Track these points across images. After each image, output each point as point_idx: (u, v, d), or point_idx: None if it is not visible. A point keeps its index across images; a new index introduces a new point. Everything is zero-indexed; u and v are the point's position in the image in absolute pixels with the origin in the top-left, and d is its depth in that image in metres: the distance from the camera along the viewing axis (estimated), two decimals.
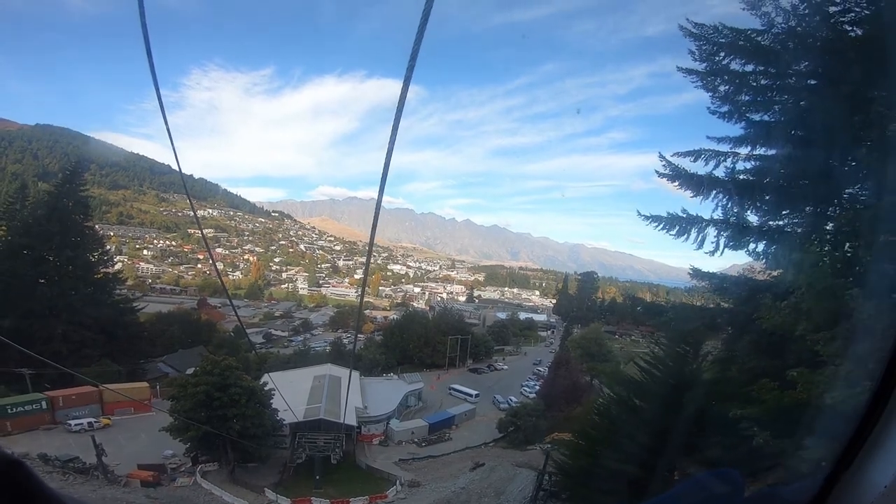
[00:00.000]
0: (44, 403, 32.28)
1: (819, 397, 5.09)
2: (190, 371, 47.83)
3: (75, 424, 31.13)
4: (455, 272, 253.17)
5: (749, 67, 11.45)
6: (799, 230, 8.60)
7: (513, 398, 49.61)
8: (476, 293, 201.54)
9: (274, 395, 28.25)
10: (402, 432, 38.76)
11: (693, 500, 1.37)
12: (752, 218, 9.73)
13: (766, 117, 10.41)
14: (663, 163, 10.29)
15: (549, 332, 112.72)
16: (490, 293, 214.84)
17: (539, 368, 63.33)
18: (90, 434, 26.05)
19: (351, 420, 34.75)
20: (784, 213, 9.09)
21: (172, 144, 3.60)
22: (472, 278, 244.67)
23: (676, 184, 9.96)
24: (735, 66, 11.57)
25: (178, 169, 4.03)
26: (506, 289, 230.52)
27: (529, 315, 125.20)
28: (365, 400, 40.70)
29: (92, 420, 32.14)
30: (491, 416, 43.36)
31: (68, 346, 43.53)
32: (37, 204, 52.53)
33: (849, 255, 6.13)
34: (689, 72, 11.98)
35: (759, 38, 11.40)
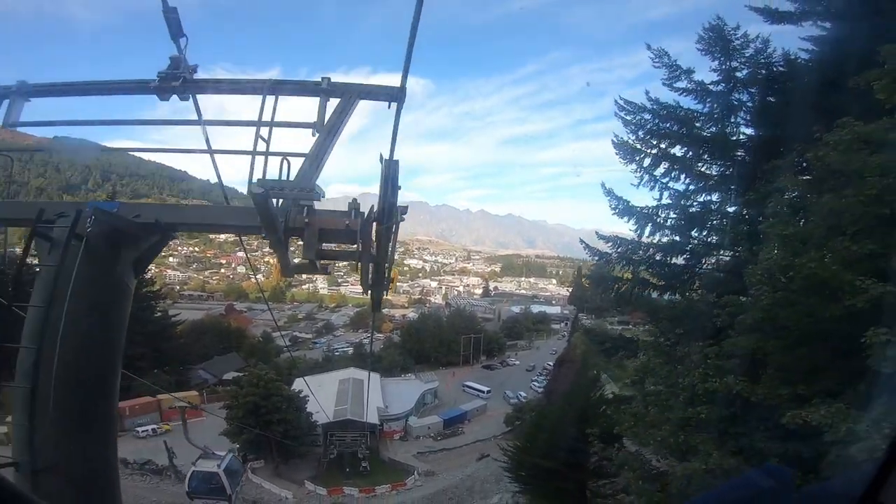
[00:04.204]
0: None
1: None
2: (228, 376, 53.19)
3: (142, 431, 36.27)
4: (471, 264, 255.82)
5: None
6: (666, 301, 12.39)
7: (522, 393, 53.00)
8: (492, 285, 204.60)
9: (308, 399, 32.95)
10: (419, 428, 43.32)
11: (742, 496, 1.40)
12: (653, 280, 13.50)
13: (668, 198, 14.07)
14: (583, 245, 14.08)
15: (562, 324, 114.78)
16: (506, 284, 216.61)
17: (548, 364, 66.48)
18: (162, 439, 31.02)
19: (373, 419, 39.30)
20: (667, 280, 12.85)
21: (216, 168, 3.68)
22: (489, 269, 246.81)
23: (595, 258, 13.76)
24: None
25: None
26: (522, 279, 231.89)
27: (543, 308, 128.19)
28: (386, 400, 45.10)
29: (155, 427, 37.29)
30: (501, 412, 46.75)
31: (124, 361, 48.82)
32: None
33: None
34: (623, 143, 15.40)
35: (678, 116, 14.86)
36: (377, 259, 3.01)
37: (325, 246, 3.03)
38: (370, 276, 3.18)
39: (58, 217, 2.81)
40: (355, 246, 3.01)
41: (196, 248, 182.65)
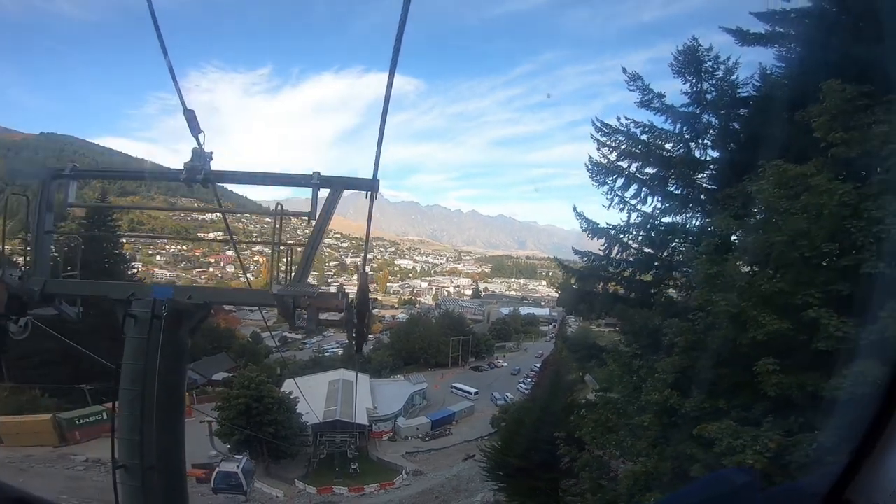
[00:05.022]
0: (105, 414, 37.88)
1: None
2: (217, 377, 53.54)
3: None
4: (462, 264, 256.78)
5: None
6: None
7: (509, 395, 54.14)
8: (482, 286, 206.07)
9: (298, 401, 33.81)
10: (407, 429, 44.37)
11: (709, 496, 1.42)
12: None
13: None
14: (557, 263, 15.19)
15: (550, 326, 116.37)
16: (497, 285, 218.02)
17: (535, 366, 67.61)
18: None
19: (363, 420, 40.23)
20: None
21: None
22: (479, 270, 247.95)
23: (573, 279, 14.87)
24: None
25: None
26: (512, 280, 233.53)
27: (532, 310, 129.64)
28: (375, 401, 45.98)
29: None
30: (488, 413, 47.57)
31: (112, 362, 49.33)
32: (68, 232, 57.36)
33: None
34: (596, 164, 16.29)
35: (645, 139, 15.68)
36: (357, 328, 4.07)
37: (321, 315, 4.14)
38: (353, 334, 4.24)
39: (132, 298, 3.90)
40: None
41: (184, 247, 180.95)
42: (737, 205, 10.39)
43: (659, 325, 9.37)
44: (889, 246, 6.25)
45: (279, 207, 4.14)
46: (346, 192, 4.35)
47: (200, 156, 4.04)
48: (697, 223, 14.16)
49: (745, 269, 8.44)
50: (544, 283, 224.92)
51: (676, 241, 13.51)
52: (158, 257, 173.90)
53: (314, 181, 4.14)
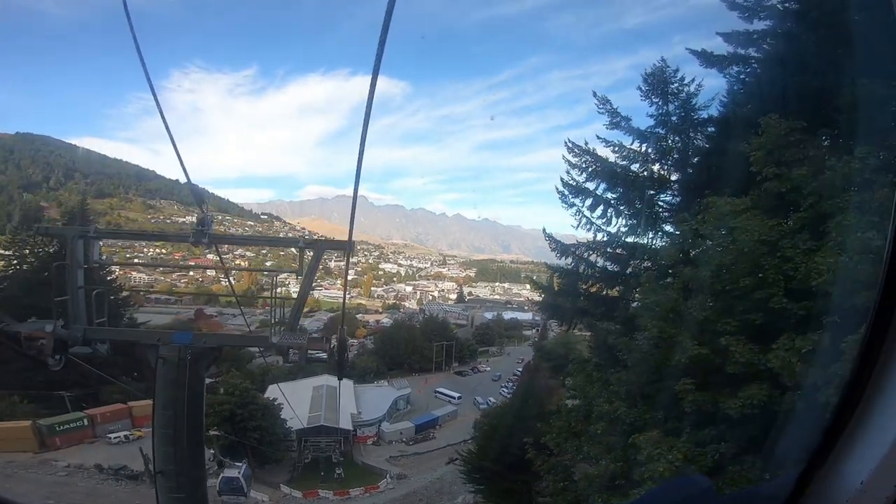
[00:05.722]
0: (85, 421, 37.81)
1: None
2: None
3: (114, 438, 36.65)
4: (446, 268, 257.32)
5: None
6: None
7: (492, 399, 55.35)
8: (467, 290, 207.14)
9: (283, 407, 34.39)
10: (391, 433, 45.23)
11: (669, 501, 1.46)
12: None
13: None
14: (534, 281, 16.41)
15: (534, 330, 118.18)
16: (481, 289, 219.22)
17: (517, 371, 68.82)
18: (137, 446, 31.73)
19: (347, 424, 40.91)
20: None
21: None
22: (464, 274, 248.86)
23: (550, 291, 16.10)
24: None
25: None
26: (496, 284, 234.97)
27: (515, 315, 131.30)
28: (359, 406, 46.68)
29: (128, 433, 37.70)
30: (471, 417, 48.59)
31: (97, 367, 48.93)
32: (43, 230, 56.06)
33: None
34: (567, 185, 17.36)
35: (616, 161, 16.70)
36: (338, 364, 5.16)
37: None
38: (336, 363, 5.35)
39: (159, 342, 4.87)
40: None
41: (163, 250, 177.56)
42: (685, 231, 11.52)
43: (615, 342, 10.53)
44: (795, 283, 7.46)
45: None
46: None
47: (204, 221, 5.08)
48: (659, 243, 15.42)
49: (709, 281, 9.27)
50: (528, 287, 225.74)
51: (638, 259, 14.77)
52: (137, 260, 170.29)
53: (300, 244, 5.22)
